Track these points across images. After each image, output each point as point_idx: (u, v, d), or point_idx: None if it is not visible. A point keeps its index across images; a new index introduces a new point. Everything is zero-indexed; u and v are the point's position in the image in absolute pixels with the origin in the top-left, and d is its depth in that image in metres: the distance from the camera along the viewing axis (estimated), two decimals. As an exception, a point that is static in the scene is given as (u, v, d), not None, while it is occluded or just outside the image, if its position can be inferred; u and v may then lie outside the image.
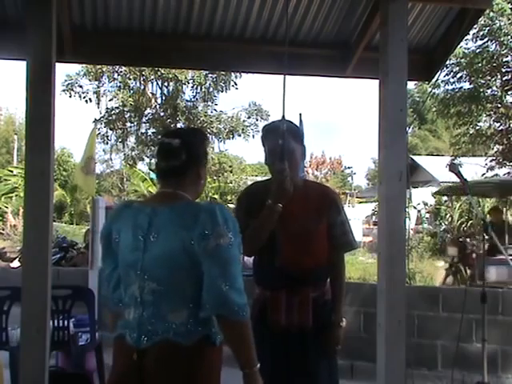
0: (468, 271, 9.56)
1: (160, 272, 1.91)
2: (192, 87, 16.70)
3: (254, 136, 17.87)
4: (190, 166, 2.04)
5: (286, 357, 2.61)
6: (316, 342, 2.64)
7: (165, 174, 2.07)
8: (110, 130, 17.23)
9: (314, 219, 2.66)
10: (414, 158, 28.31)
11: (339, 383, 2.81)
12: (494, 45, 10.77)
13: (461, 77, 11.18)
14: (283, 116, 2.55)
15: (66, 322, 4.14)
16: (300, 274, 2.61)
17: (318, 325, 2.65)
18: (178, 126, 16.95)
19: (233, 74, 15.67)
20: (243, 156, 30.81)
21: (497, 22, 10.33)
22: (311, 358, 2.62)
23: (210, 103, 17.08)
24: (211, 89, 16.48)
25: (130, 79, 16.69)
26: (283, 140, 2.50)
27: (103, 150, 22.81)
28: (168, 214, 1.95)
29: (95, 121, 16.93)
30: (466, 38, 8.13)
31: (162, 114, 17.19)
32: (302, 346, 2.61)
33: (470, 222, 16.21)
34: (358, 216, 22.58)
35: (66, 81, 16.14)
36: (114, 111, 16.98)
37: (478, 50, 10.85)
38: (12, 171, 24.80)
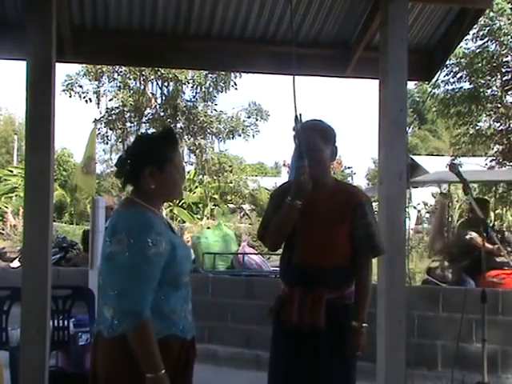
0: None
1: (101, 271, 2.08)
2: (192, 87, 16.70)
3: (254, 136, 17.88)
4: (134, 172, 2.10)
5: (298, 355, 2.60)
6: (330, 344, 2.59)
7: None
8: (110, 129, 17.23)
9: (335, 219, 2.63)
10: (414, 158, 28.29)
11: None
12: (494, 45, 10.76)
13: (461, 77, 11.17)
14: (296, 116, 2.55)
15: (65, 322, 4.14)
16: (315, 273, 2.60)
17: (334, 327, 2.59)
18: (178, 126, 16.96)
19: (233, 74, 15.67)
20: (243, 156, 30.81)
21: (497, 22, 10.32)
22: (323, 360, 2.59)
23: (209, 103, 17.08)
24: (211, 89, 16.48)
25: (129, 79, 16.69)
26: (304, 139, 2.51)
27: (103, 150, 22.77)
28: (110, 221, 2.10)
29: (95, 121, 16.93)
30: (466, 38, 8.13)
31: (162, 114, 17.19)
32: (314, 346, 2.58)
33: (470, 222, 16.18)
34: (358, 216, 22.55)
35: (65, 81, 16.14)
36: (113, 111, 16.98)
37: (478, 50, 10.84)
38: (12, 171, 24.79)
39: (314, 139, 2.61)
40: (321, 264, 2.61)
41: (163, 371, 1.89)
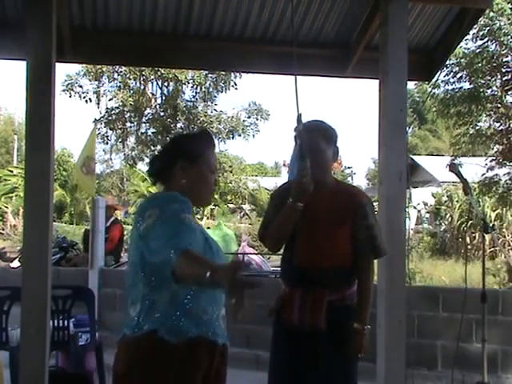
0: None
1: (131, 264, 1.99)
2: (192, 87, 16.69)
3: (254, 136, 17.88)
4: (166, 168, 2.06)
5: (299, 356, 2.60)
6: (331, 345, 2.59)
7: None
8: (110, 129, 17.23)
9: (336, 220, 2.63)
10: (414, 158, 28.30)
11: None
12: (494, 45, 10.74)
13: (461, 77, 11.15)
14: (298, 116, 2.54)
15: (65, 322, 4.14)
16: (315, 274, 2.59)
17: (334, 328, 2.58)
18: (178, 126, 16.96)
19: (233, 74, 15.66)
20: (243, 156, 30.75)
21: (497, 22, 10.31)
22: (324, 361, 2.58)
23: (209, 103, 17.07)
24: (211, 89, 16.48)
25: (130, 79, 16.69)
26: (306, 139, 2.51)
27: (103, 150, 22.82)
28: (138, 207, 2.05)
29: (95, 121, 16.92)
30: (466, 38, 8.13)
31: (161, 114, 17.18)
32: (315, 347, 2.58)
33: (470, 221, 16.20)
34: (358, 216, 22.55)
35: (65, 81, 16.13)
36: (113, 111, 16.97)
37: (478, 50, 10.83)
38: (12, 171, 24.79)
39: (316, 140, 2.62)
40: (321, 265, 2.61)
41: (219, 268, 1.62)
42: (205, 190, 2.09)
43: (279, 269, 2.94)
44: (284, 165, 30.80)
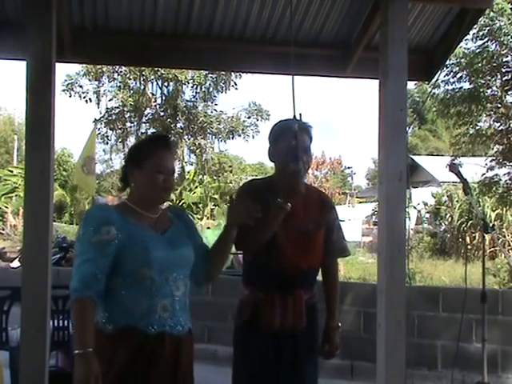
0: None
1: None
2: (192, 87, 16.73)
3: (253, 136, 17.89)
4: (123, 174, 2.29)
5: (278, 359, 2.58)
6: (306, 344, 2.63)
7: None
8: (110, 130, 17.25)
9: (312, 222, 2.66)
10: (414, 158, 28.32)
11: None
12: (494, 45, 10.75)
13: (461, 77, 11.16)
14: (294, 116, 2.55)
15: (66, 322, 4.14)
16: (296, 276, 2.60)
17: (309, 327, 2.63)
18: (178, 126, 16.97)
19: (233, 74, 15.67)
20: (243, 156, 30.79)
21: (497, 22, 10.31)
22: (301, 360, 2.61)
23: (209, 103, 17.10)
24: (211, 89, 16.51)
25: (130, 79, 16.71)
26: (301, 140, 2.51)
27: (103, 150, 22.85)
28: None
29: (95, 121, 16.95)
30: (466, 38, 8.13)
31: (162, 113, 17.20)
32: (293, 348, 2.59)
33: (470, 222, 16.21)
34: (358, 216, 22.58)
35: (65, 81, 16.16)
36: (113, 111, 16.99)
37: (478, 50, 10.83)
38: (12, 171, 24.80)
39: (306, 141, 2.63)
40: (302, 267, 2.63)
41: (90, 349, 1.95)
42: (151, 191, 2.21)
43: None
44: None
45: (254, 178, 3.10)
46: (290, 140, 2.55)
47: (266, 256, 2.59)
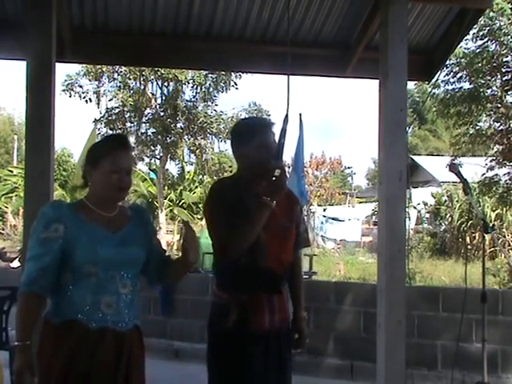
0: None
1: None
2: (192, 87, 16.69)
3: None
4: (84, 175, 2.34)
5: (268, 360, 2.55)
6: (288, 342, 2.66)
7: None
8: (110, 130, 17.21)
9: (288, 219, 2.67)
10: (414, 158, 28.33)
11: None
12: (494, 45, 10.74)
13: (461, 77, 11.15)
14: (286, 115, 2.55)
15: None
16: (280, 273, 2.60)
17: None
18: (178, 126, 16.98)
19: (233, 74, 15.66)
20: (243, 156, 30.65)
21: (497, 22, 10.31)
22: (284, 356, 2.62)
23: (210, 103, 17.06)
24: (211, 89, 16.47)
25: (129, 79, 16.68)
26: (283, 138, 2.51)
27: (103, 150, 22.78)
28: None
29: (95, 121, 16.93)
30: (466, 38, 8.13)
31: (161, 114, 17.18)
32: (278, 344, 2.59)
33: (470, 222, 16.21)
34: (358, 216, 22.57)
35: (65, 81, 16.12)
36: (113, 111, 16.97)
37: (478, 50, 10.83)
38: (12, 171, 24.79)
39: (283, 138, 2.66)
40: (285, 263, 2.62)
41: (28, 342, 2.11)
42: (106, 190, 2.25)
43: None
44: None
45: (221, 177, 3.06)
46: (270, 137, 2.56)
47: (250, 255, 2.50)
